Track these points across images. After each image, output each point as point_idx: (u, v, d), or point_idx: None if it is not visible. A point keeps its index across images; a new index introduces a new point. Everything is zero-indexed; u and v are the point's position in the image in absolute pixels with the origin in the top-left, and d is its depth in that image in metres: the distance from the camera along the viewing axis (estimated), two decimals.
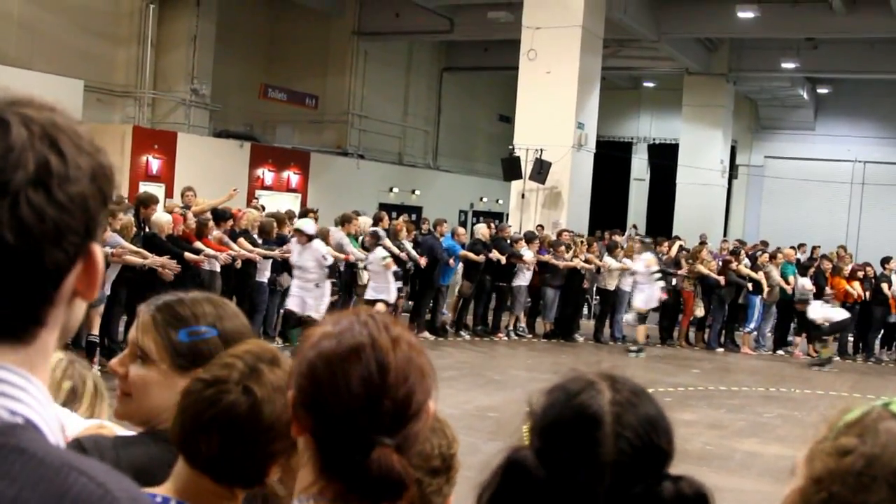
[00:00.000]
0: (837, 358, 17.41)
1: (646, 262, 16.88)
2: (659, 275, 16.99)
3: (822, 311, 16.90)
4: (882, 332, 18.51)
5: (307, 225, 13.51)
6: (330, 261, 13.63)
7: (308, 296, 13.25)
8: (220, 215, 13.89)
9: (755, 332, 18.31)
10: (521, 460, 1.41)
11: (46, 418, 1.03)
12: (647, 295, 16.82)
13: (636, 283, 17.07)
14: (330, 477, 1.44)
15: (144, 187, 19.74)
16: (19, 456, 0.96)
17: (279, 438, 1.80)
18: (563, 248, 17.63)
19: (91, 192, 1.04)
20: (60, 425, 1.07)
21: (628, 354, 16.46)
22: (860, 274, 18.14)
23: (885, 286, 17.88)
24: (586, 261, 17.89)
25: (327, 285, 13.60)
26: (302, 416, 1.45)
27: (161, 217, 12.55)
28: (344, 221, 15.62)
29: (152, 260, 11.76)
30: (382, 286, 14.64)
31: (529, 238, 17.44)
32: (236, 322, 2.12)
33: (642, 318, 16.99)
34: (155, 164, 21.59)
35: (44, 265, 1.01)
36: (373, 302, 14.09)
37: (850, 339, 18.50)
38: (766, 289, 17.73)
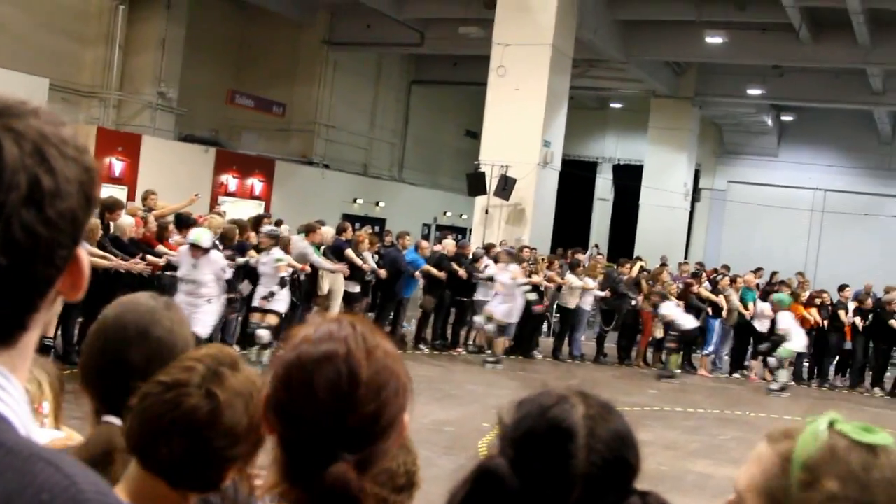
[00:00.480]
0: (679, 371, 17.39)
1: (511, 273, 16.30)
2: (528, 287, 16.61)
3: (673, 311, 16.91)
4: (837, 358, 18.71)
5: (204, 238, 11.99)
6: (229, 274, 12.57)
7: (197, 311, 11.79)
8: (184, 221, 13.79)
9: (712, 355, 18.45)
10: (494, 469, 1.41)
11: (20, 415, 1.03)
12: (509, 307, 16.24)
13: (498, 293, 16.36)
14: (292, 481, 1.44)
15: (107, 190, 19.58)
16: None
17: (238, 443, 1.79)
18: (524, 264, 17.65)
19: (79, 202, 1.04)
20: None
21: (485, 366, 16.17)
22: (817, 301, 18.31)
23: (841, 313, 18.07)
24: (548, 279, 17.92)
25: (220, 301, 12.41)
26: (271, 418, 1.46)
27: (124, 220, 12.46)
28: (308, 231, 15.46)
29: (117, 263, 11.68)
30: (277, 295, 13.47)
31: (499, 260, 17.40)
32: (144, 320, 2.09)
33: (501, 329, 16.40)
34: (118, 166, 21.43)
35: (34, 280, 1.02)
36: (263, 311, 13.48)
37: (806, 364, 18.66)
38: (725, 312, 17.88)
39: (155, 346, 2.03)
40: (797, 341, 16.79)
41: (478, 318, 16.70)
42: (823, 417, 1.40)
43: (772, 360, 16.88)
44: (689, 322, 17.03)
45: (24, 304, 1.03)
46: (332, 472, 1.39)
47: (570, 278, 18.01)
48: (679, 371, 17.43)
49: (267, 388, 1.48)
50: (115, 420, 1.98)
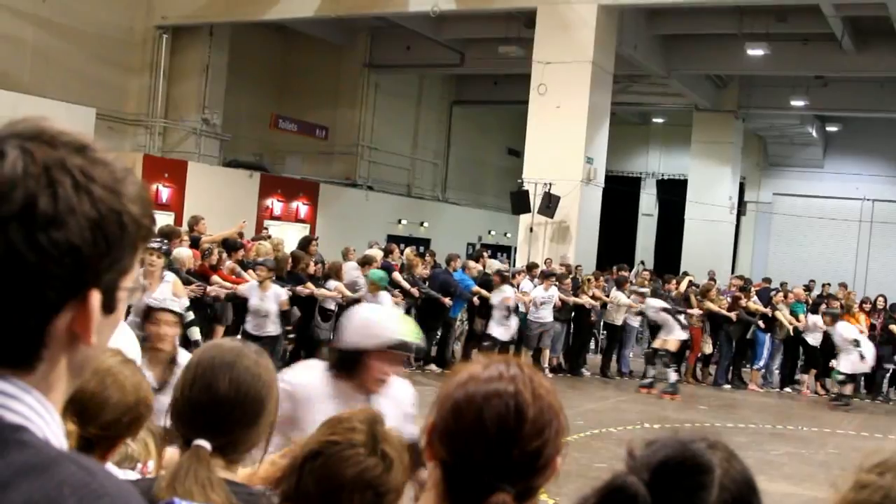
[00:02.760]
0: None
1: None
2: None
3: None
4: (891, 371, 18.41)
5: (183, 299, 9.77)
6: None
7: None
8: (231, 246, 13.88)
9: (763, 370, 18.24)
10: (629, 486, 1.42)
11: (46, 431, 1.03)
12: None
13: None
14: None
15: (156, 217, 19.81)
16: (20, 446, 0.98)
17: (399, 497, 2.00)
18: (568, 282, 17.60)
19: (85, 239, 0.99)
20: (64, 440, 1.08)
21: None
22: (866, 307, 18.11)
23: (893, 327, 17.76)
24: (593, 296, 17.85)
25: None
26: (436, 446, 1.57)
27: (182, 252, 12.45)
28: (364, 263, 15.43)
29: (192, 288, 11.78)
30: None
31: (546, 275, 17.35)
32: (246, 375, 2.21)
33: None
34: (165, 192, 21.67)
35: (21, 308, 0.98)
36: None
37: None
38: (788, 326, 17.60)
39: (242, 376, 2.17)
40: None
41: None
42: None
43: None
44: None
45: (24, 329, 1.00)
46: (493, 500, 1.49)
47: (618, 295, 17.93)
48: None
49: (431, 418, 1.59)
50: (206, 444, 2.09)
